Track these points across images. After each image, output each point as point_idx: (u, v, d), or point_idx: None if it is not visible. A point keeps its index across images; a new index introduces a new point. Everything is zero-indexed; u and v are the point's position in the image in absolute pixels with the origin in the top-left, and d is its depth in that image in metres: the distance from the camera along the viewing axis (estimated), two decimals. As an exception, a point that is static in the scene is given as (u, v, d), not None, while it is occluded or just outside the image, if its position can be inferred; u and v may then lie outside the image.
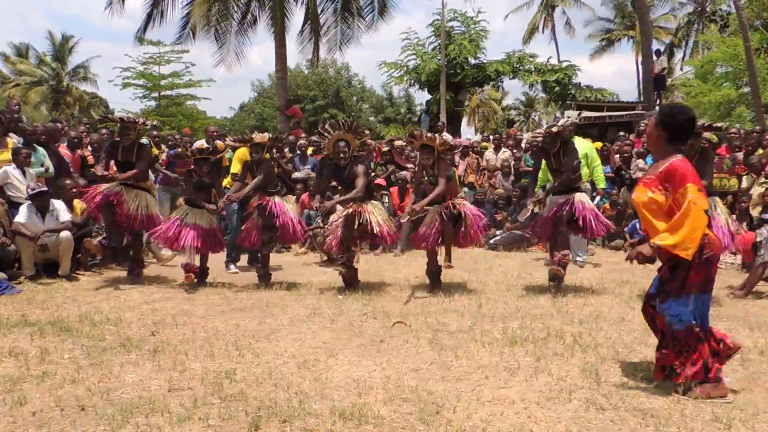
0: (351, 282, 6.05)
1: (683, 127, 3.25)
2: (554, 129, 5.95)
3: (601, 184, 8.23)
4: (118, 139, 6.36)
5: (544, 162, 6.28)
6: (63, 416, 2.87)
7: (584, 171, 7.64)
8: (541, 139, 6.06)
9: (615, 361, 3.74)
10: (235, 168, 7.39)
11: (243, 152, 7.12)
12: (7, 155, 6.85)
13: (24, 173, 6.78)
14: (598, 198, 9.71)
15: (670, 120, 3.25)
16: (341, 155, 5.91)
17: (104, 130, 8.98)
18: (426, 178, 6.04)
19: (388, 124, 31.29)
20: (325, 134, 6.01)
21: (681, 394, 3.12)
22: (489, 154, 11.24)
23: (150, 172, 8.47)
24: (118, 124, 6.39)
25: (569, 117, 7.53)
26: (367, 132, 6.26)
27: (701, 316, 3.21)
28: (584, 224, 5.82)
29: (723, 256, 7.48)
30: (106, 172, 6.30)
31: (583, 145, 7.80)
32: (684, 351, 3.18)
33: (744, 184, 8.15)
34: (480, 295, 5.72)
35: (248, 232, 6.39)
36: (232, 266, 7.38)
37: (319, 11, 17.95)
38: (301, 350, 3.94)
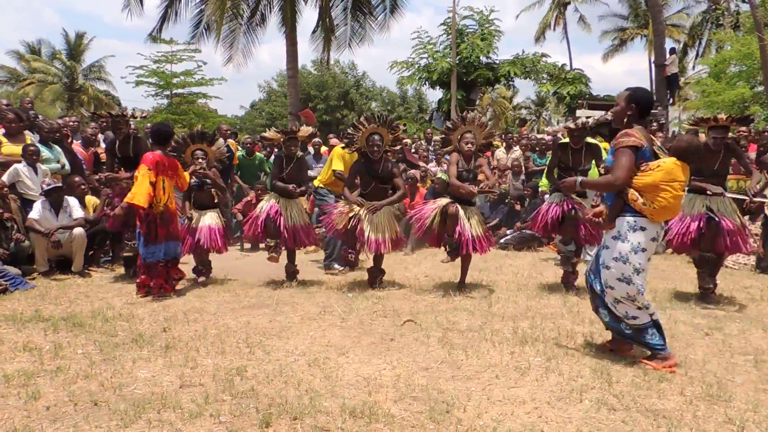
0: (374, 280, 6.10)
1: (161, 135, 5.71)
2: (590, 122, 5.76)
3: None
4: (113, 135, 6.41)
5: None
6: (76, 411, 2.90)
7: (594, 171, 7.58)
8: (574, 127, 5.82)
9: (626, 361, 3.72)
10: (338, 166, 7.08)
11: (340, 150, 7.04)
12: None
13: (36, 170, 6.84)
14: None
15: (154, 130, 5.82)
16: (375, 148, 5.91)
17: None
18: (461, 170, 5.89)
19: (399, 119, 31.24)
20: (360, 127, 6.00)
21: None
22: (500, 153, 11.21)
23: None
24: (109, 120, 6.40)
25: (581, 117, 7.47)
26: (401, 127, 6.23)
27: (168, 254, 5.68)
28: (585, 232, 5.80)
29: (736, 256, 7.43)
30: (113, 173, 6.33)
31: None
32: (155, 274, 5.59)
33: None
34: (490, 295, 5.71)
35: (252, 224, 6.34)
36: (335, 264, 7.12)
37: (330, 10, 17.95)
38: (311, 348, 3.96)
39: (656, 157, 3.61)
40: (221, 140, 6.69)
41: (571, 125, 5.90)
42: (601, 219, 3.72)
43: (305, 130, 6.49)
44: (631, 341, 3.78)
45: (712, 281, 5.57)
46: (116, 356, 3.70)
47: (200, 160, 6.26)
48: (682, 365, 3.68)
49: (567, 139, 5.97)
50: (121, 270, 6.96)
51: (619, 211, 3.63)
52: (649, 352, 3.70)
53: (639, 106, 3.65)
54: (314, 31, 18.34)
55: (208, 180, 6.32)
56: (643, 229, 3.56)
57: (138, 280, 5.66)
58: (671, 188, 3.49)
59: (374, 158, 5.95)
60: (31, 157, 6.79)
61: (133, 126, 6.91)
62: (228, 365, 3.56)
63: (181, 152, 6.41)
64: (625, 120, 3.68)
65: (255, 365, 3.58)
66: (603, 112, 15.36)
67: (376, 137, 5.92)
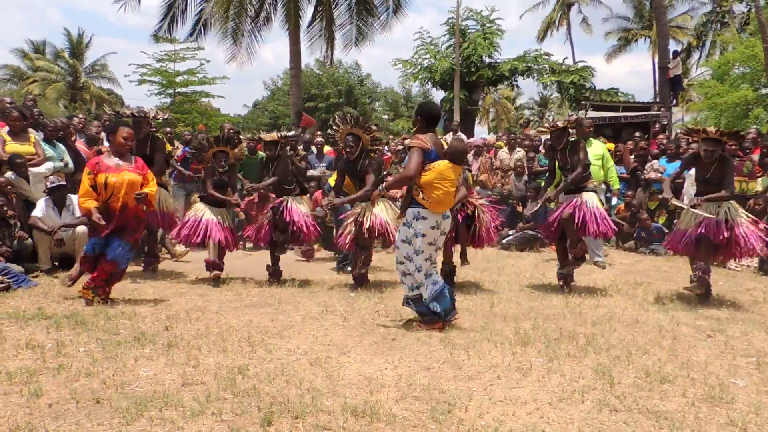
0: (361, 281, 6.07)
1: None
2: (560, 123, 5.96)
3: (616, 185, 8.21)
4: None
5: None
6: (78, 408, 2.90)
7: (600, 173, 7.62)
8: (546, 131, 6.05)
9: (628, 362, 3.71)
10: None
11: None
12: (29, 148, 6.92)
13: (27, 180, 6.79)
14: (615, 199, 9.66)
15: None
16: (347, 149, 6.01)
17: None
18: None
19: (399, 117, 31.25)
20: (336, 128, 6.16)
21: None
22: (503, 153, 11.20)
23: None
24: (131, 119, 6.45)
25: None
26: (375, 128, 6.29)
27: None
28: (589, 224, 5.79)
29: (740, 259, 7.41)
30: None
31: (599, 146, 7.83)
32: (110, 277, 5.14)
33: (759, 188, 8.04)
34: (492, 295, 5.71)
35: (258, 229, 6.43)
36: (349, 267, 6.87)
37: (333, 9, 17.91)
38: (313, 347, 3.96)
39: (441, 158, 4.27)
40: (244, 144, 6.84)
41: (542, 126, 6.24)
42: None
43: (270, 136, 6.47)
44: (419, 314, 4.48)
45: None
46: (118, 354, 3.71)
47: (223, 162, 6.43)
48: (684, 367, 3.67)
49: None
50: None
51: (408, 204, 4.38)
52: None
53: (424, 117, 4.41)
54: (309, 26, 18.23)
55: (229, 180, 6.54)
56: (424, 218, 4.29)
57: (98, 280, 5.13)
58: (442, 185, 4.21)
59: (349, 158, 6.03)
60: (19, 169, 6.71)
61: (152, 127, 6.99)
62: (230, 364, 3.56)
63: (203, 151, 6.59)
64: (417, 128, 4.45)
65: (257, 364, 3.58)
66: (610, 113, 15.36)
67: (350, 138, 6.01)
